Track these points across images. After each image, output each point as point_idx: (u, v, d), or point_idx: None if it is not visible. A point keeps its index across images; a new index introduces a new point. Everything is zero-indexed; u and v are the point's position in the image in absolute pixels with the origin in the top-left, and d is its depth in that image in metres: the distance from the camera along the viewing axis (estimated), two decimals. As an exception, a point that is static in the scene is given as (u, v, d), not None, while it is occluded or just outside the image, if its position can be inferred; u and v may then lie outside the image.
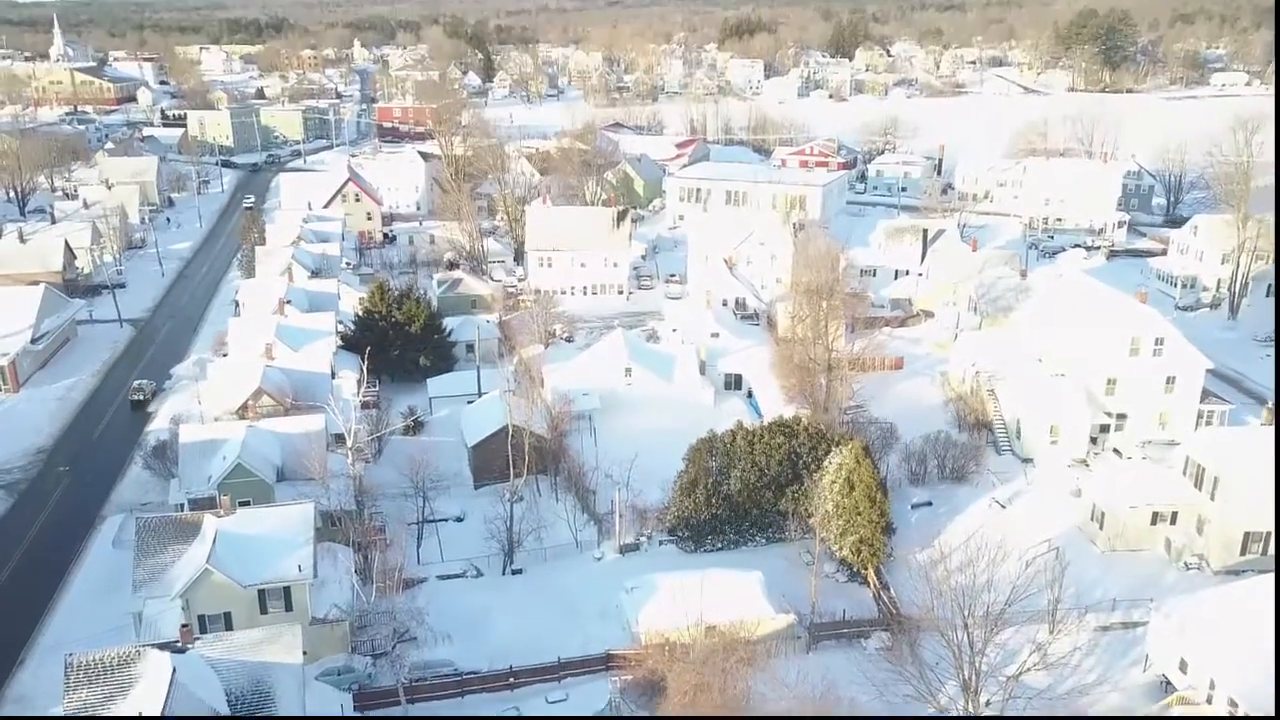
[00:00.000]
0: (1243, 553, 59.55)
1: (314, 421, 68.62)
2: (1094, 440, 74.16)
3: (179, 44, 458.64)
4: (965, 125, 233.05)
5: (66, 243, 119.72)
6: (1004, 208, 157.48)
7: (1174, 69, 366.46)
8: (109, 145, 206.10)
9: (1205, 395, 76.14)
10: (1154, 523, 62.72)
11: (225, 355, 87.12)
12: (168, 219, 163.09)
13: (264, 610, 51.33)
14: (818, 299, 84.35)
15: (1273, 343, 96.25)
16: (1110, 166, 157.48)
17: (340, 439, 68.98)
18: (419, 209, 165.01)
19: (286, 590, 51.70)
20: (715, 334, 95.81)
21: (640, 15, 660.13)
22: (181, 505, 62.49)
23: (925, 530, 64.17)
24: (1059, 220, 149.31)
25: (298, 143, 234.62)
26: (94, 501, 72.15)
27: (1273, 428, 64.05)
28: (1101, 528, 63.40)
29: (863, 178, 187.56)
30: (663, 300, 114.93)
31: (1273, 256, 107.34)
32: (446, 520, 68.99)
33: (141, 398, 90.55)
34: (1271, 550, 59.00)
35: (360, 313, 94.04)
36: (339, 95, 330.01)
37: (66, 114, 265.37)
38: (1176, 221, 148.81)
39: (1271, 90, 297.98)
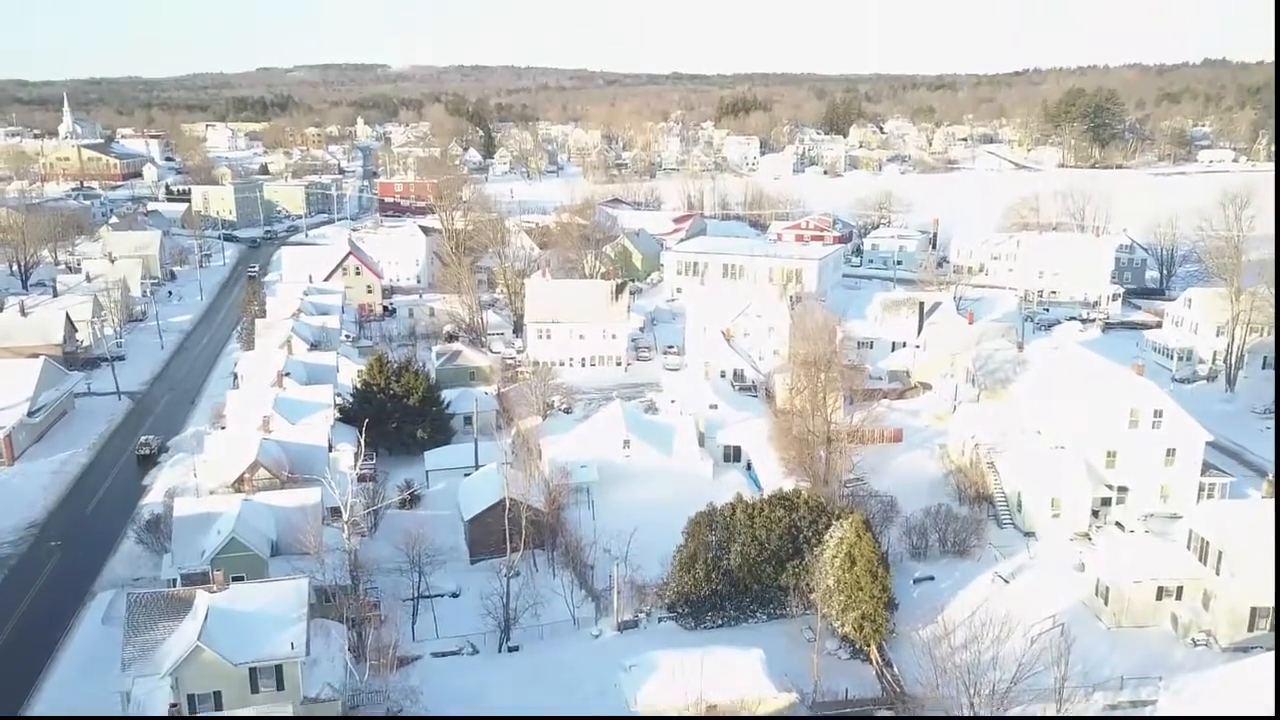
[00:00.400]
0: (1250, 628, 58.65)
1: (309, 495, 68.14)
2: (1096, 513, 73.65)
3: (185, 122, 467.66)
4: (958, 200, 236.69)
5: (68, 315, 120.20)
6: (999, 281, 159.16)
7: (1162, 146, 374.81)
8: (113, 220, 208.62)
9: (1206, 468, 75.89)
10: (1159, 598, 61.91)
11: (223, 428, 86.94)
12: (169, 292, 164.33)
13: (255, 689, 50.20)
14: (815, 371, 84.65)
15: (1272, 415, 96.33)
16: (1102, 240, 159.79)
17: (336, 513, 68.40)
18: (419, 282, 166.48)
19: (278, 668, 50.59)
20: (714, 405, 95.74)
21: (638, 94, 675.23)
22: (174, 580, 61.57)
23: (928, 606, 63.33)
24: (1054, 293, 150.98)
25: (298, 217, 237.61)
26: (85, 577, 71.08)
27: (1273, 500, 63.72)
28: (1106, 603, 62.58)
29: (858, 251, 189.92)
30: (661, 372, 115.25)
31: (1268, 329, 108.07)
32: (442, 596, 68.00)
33: (148, 452, 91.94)
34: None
35: (359, 385, 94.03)
36: (342, 171, 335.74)
37: (73, 189, 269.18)
38: (1163, 293, 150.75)
39: (1257, 166, 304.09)
